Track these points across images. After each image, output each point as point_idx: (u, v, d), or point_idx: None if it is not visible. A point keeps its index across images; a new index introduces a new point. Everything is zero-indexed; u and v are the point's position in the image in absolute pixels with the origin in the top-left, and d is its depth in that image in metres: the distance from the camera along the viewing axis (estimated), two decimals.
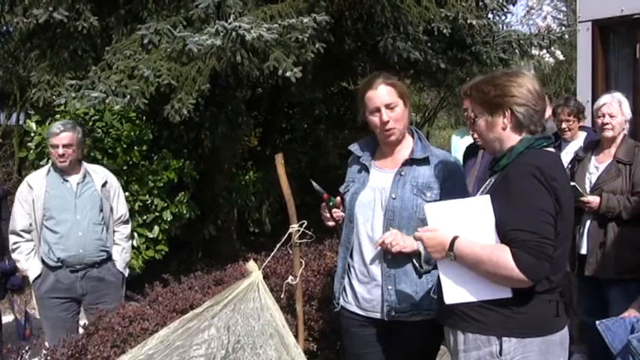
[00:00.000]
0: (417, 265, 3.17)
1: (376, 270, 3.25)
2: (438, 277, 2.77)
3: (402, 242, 3.08)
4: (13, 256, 4.89)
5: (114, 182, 5.10)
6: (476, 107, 2.74)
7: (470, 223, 2.62)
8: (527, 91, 2.64)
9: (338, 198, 3.42)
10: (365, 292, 3.29)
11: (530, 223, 2.46)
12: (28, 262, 4.79)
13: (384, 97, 3.21)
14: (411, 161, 3.24)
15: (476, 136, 5.30)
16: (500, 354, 2.55)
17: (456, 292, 2.65)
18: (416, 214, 3.17)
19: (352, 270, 3.36)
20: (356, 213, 3.32)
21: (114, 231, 5.02)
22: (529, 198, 2.50)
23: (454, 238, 2.61)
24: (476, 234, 2.59)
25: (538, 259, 2.42)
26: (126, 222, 5.12)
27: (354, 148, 3.44)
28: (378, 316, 3.26)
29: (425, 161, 3.23)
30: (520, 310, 2.54)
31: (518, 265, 2.43)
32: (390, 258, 3.18)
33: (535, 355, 2.55)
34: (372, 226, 3.28)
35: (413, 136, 3.35)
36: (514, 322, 2.54)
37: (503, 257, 2.46)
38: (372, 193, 3.28)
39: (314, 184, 3.37)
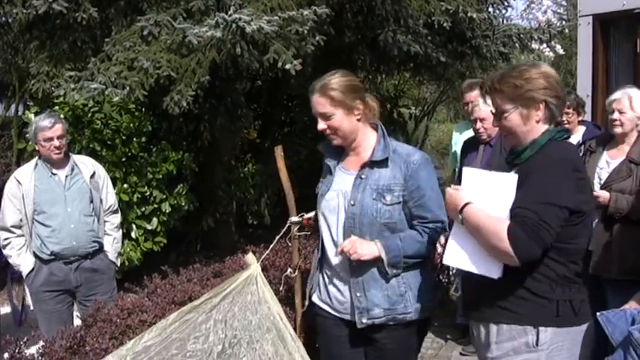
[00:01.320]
0: (382, 270, 3.11)
1: (344, 275, 3.20)
2: (462, 274, 2.81)
3: (361, 250, 3.04)
4: (5, 252, 4.87)
5: (102, 173, 5.10)
6: (507, 102, 2.74)
7: (494, 195, 2.67)
8: (554, 81, 2.71)
9: (304, 217, 3.43)
10: (338, 294, 3.24)
11: (535, 204, 2.49)
12: (20, 257, 4.78)
13: (317, 106, 3.16)
14: (371, 163, 3.16)
15: (482, 129, 5.32)
16: (537, 344, 2.56)
17: (455, 256, 2.74)
18: (377, 220, 3.10)
19: (324, 270, 3.32)
20: (321, 218, 3.29)
21: (104, 221, 5.01)
22: (549, 188, 2.52)
23: (466, 204, 2.69)
24: (495, 206, 2.64)
25: (530, 238, 2.45)
26: (115, 212, 5.13)
27: (322, 147, 3.37)
28: (349, 318, 3.21)
29: (385, 163, 3.14)
30: (556, 298, 2.56)
31: (509, 237, 2.46)
32: (355, 265, 3.12)
33: (568, 344, 2.57)
34: (336, 232, 3.22)
35: (380, 138, 3.24)
36: (551, 312, 2.56)
37: (499, 227, 2.51)
38: (336, 198, 3.21)
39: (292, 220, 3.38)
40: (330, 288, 3.27)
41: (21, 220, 4.76)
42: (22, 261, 4.78)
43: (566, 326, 2.55)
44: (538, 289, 2.56)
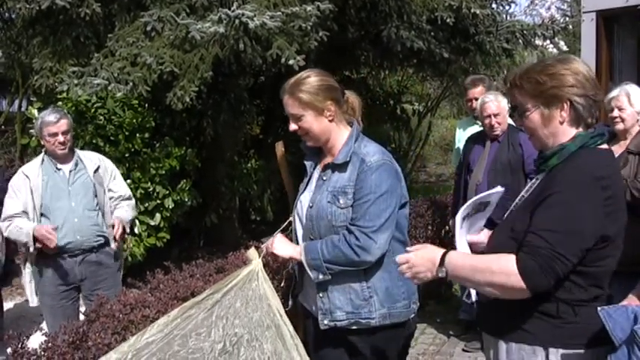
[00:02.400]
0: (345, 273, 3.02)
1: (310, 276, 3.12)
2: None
3: (278, 250, 3.09)
4: (9, 235, 4.78)
5: (109, 166, 5.07)
6: (528, 100, 2.47)
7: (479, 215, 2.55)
8: (584, 79, 2.39)
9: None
10: (311, 293, 3.19)
11: (551, 233, 2.23)
12: (21, 226, 4.67)
13: (286, 107, 3.09)
14: (332, 166, 3.08)
15: (497, 124, 5.34)
16: None
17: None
18: (332, 223, 3.01)
19: (302, 270, 3.24)
20: (295, 219, 3.25)
21: (118, 207, 5.00)
22: (573, 214, 2.25)
23: (445, 252, 2.41)
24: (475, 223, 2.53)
25: (542, 270, 2.20)
26: (128, 198, 5.12)
27: (303, 146, 3.28)
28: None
29: (344, 166, 3.03)
30: (570, 319, 2.33)
31: (519, 268, 2.22)
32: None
33: None
34: (302, 234, 3.21)
35: (349, 138, 3.12)
36: (562, 332, 2.33)
37: (503, 263, 2.27)
38: (307, 198, 3.18)
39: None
40: (306, 287, 3.26)
41: (22, 212, 4.74)
42: (23, 227, 4.63)
43: (579, 348, 2.32)
44: (549, 309, 2.34)
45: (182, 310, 2.93)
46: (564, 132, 2.42)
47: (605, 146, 2.46)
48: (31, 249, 4.64)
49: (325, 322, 3.08)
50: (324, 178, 3.09)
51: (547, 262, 2.20)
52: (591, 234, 2.26)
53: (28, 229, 4.61)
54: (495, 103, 5.29)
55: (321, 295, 3.08)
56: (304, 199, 3.19)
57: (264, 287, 3.09)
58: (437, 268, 2.39)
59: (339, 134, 3.12)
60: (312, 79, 3.06)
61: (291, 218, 3.38)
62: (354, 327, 3.06)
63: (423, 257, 2.45)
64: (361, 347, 3.09)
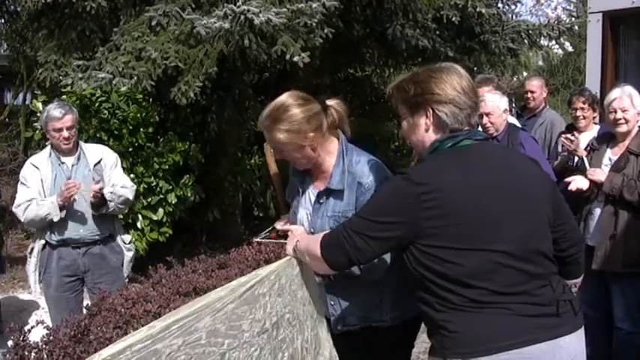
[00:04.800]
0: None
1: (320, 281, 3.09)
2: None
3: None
4: (28, 214, 4.74)
5: (110, 159, 4.99)
6: (400, 107, 2.51)
7: None
8: (451, 88, 2.38)
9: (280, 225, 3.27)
10: (326, 298, 3.14)
11: (352, 217, 2.51)
12: (46, 201, 4.66)
13: (270, 143, 3.03)
14: (327, 191, 2.99)
15: (489, 124, 5.31)
16: None
17: None
18: None
19: None
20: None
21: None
22: (373, 201, 2.49)
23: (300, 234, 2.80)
24: None
25: (335, 244, 2.43)
26: (124, 187, 4.95)
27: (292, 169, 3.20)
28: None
29: (341, 193, 2.95)
30: (451, 328, 2.28)
31: (321, 241, 2.48)
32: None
33: None
34: None
35: (338, 156, 3.01)
36: (450, 342, 2.28)
37: (320, 236, 2.53)
38: (305, 218, 3.12)
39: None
40: (321, 288, 3.24)
41: (36, 198, 4.74)
42: (46, 203, 4.65)
43: (473, 356, 2.23)
44: (440, 320, 2.32)
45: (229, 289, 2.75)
46: (431, 139, 2.43)
47: (466, 143, 2.40)
48: (56, 218, 4.64)
49: (339, 327, 3.08)
50: (321, 202, 3.02)
51: (336, 237, 2.43)
52: (394, 225, 2.32)
53: (50, 199, 4.64)
54: (489, 102, 5.22)
55: (332, 302, 3.08)
56: (303, 219, 3.12)
57: (304, 273, 2.97)
58: (293, 244, 2.77)
59: (327, 153, 3.02)
60: (291, 112, 2.89)
61: (278, 225, 3.29)
62: (367, 330, 3.04)
63: (290, 236, 2.86)
64: (374, 346, 3.09)
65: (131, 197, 5.03)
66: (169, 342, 2.19)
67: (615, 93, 4.68)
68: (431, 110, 2.39)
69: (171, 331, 2.22)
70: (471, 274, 2.25)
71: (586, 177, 4.55)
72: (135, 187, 5.18)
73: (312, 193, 3.12)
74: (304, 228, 3.03)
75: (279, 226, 3.24)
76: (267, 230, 3.19)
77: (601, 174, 4.50)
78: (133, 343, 2.09)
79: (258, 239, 3.18)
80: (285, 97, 2.95)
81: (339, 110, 3.05)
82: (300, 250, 2.70)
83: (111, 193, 4.79)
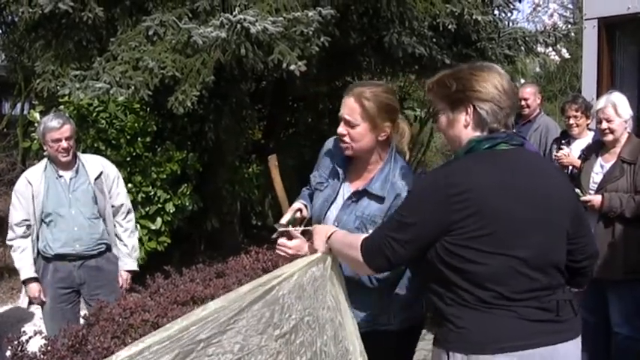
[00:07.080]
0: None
1: None
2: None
3: (290, 250, 3.00)
4: (11, 251, 4.93)
5: (111, 173, 4.99)
6: (438, 102, 2.57)
7: None
8: (492, 86, 2.42)
9: (298, 214, 3.23)
10: None
11: (389, 220, 2.53)
12: (21, 261, 4.79)
13: (345, 109, 3.00)
14: (365, 192, 2.99)
15: None
16: None
17: None
18: None
19: None
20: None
21: (119, 225, 4.98)
22: (407, 203, 2.48)
23: (333, 232, 2.72)
24: None
25: (375, 249, 2.45)
26: (127, 212, 5.04)
27: (331, 144, 3.21)
28: None
29: (379, 198, 2.94)
30: (459, 323, 2.34)
31: (361, 245, 2.48)
32: None
33: None
34: None
35: (386, 162, 3.03)
36: (455, 336, 2.35)
37: (360, 239, 2.52)
38: (334, 210, 3.09)
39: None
40: None
41: (26, 220, 4.76)
42: (22, 267, 4.80)
43: (476, 353, 2.30)
44: (448, 314, 2.38)
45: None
46: (468, 135, 2.46)
47: (502, 148, 2.43)
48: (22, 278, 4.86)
49: None
50: (354, 199, 3.01)
51: (377, 243, 2.44)
52: (424, 226, 2.35)
53: (30, 262, 4.82)
54: None
55: None
56: (331, 216, 3.09)
57: (331, 271, 2.93)
58: (324, 243, 2.72)
59: (378, 155, 3.04)
60: (383, 93, 2.97)
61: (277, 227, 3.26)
62: (374, 333, 3.05)
63: (319, 232, 2.77)
64: (379, 350, 3.09)
65: (137, 235, 5.28)
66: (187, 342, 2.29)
67: (600, 103, 4.68)
68: (472, 107, 2.43)
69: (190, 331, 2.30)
70: (490, 276, 2.30)
71: (583, 203, 4.49)
72: (134, 221, 5.25)
73: (346, 187, 3.11)
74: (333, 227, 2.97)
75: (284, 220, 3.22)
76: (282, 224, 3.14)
77: (596, 200, 4.49)
78: (151, 344, 2.14)
79: (280, 229, 3.12)
80: (380, 82, 3.17)
81: (405, 128, 3.11)
82: (335, 250, 2.71)
83: (128, 254, 5.01)
